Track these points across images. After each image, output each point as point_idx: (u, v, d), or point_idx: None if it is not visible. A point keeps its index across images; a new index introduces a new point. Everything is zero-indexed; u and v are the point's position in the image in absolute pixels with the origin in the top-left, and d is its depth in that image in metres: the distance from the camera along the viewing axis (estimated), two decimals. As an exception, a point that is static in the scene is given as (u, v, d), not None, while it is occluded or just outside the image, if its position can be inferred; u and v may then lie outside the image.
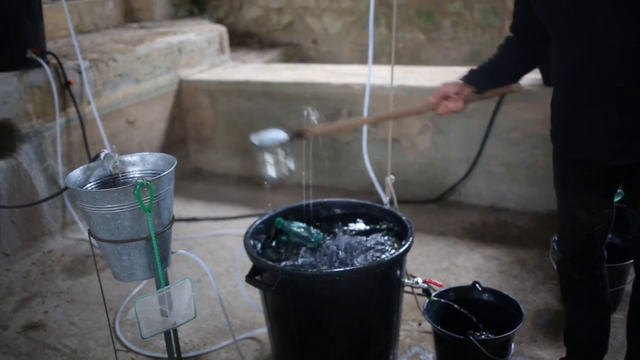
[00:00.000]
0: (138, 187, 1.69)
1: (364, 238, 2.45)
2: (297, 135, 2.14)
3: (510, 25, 2.08)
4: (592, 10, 1.71)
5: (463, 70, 2.18)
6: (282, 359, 2.43)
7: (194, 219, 3.86)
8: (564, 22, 1.79)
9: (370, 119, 2.23)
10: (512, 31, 2.06)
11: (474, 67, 2.16)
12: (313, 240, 2.41)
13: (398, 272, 2.27)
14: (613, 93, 1.75)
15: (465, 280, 2.95)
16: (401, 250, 2.19)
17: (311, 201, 2.56)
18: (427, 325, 2.64)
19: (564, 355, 2.34)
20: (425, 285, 2.36)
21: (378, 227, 2.52)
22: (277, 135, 2.09)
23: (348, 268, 2.17)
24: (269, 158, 2.08)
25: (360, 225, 2.56)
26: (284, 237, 2.48)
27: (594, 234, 2.02)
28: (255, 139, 2.09)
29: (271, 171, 2.09)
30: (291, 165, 2.11)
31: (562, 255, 2.14)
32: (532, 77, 3.62)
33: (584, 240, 2.04)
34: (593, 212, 1.98)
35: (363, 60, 5.43)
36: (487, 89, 2.13)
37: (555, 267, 2.21)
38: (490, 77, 2.12)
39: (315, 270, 2.23)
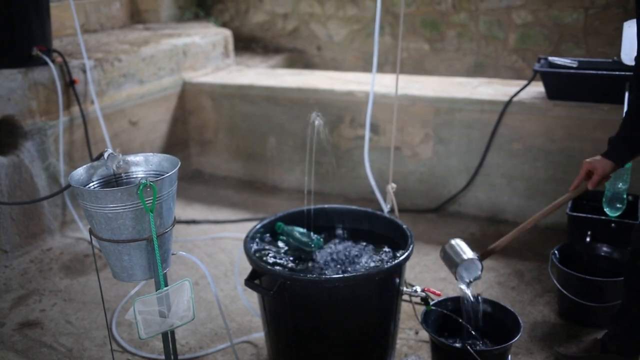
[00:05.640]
0: (141, 187, 1.69)
1: (363, 245, 2.46)
2: (485, 255, 2.41)
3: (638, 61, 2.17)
4: None
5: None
6: (278, 364, 2.42)
7: (193, 222, 3.86)
8: None
9: (536, 217, 2.44)
10: None
11: (616, 140, 2.24)
12: (313, 245, 2.42)
13: (397, 280, 2.27)
14: None
15: (463, 291, 2.95)
16: (401, 258, 2.20)
17: (312, 207, 2.56)
18: (424, 334, 2.64)
19: None
20: (424, 294, 2.36)
21: (378, 235, 2.53)
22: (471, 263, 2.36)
23: (347, 274, 2.17)
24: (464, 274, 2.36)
25: (360, 233, 2.56)
26: (284, 241, 2.48)
27: None
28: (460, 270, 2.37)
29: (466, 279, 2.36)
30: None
31: (636, 245, 2.23)
32: (535, 91, 3.64)
33: None
34: None
35: (367, 69, 5.46)
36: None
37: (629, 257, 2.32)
38: (634, 149, 2.23)
39: (314, 275, 2.23)
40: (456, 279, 2.36)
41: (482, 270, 2.35)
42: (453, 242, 2.42)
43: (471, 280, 2.34)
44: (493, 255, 2.46)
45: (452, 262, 2.37)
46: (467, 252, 2.36)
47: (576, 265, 2.74)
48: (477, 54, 5.06)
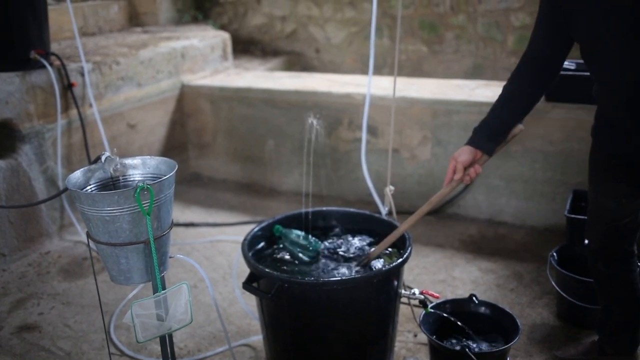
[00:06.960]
0: (138, 190, 1.69)
1: (361, 247, 2.45)
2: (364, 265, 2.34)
3: (528, 46, 2.22)
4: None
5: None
6: (276, 367, 2.42)
7: (191, 224, 3.86)
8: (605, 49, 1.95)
9: (417, 215, 2.36)
10: (531, 50, 2.19)
11: (478, 127, 2.21)
12: (311, 248, 2.41)
13: (395, 282, 2.26)
14: None
15: (462, 293, 2.95)
16: (399, 260, 2.19)
17: (310, 209, 2.56)
18: (423, 337, 2.63)
19: None
20: (422, 297, 2.35)
21: (376, 237, 2.52)
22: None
23: (346, 277, 2.17)
24: None
25: (358, 235, 2.56)
26: (282, 244, 2.48)
27: (622, 227, 2.07)
28: None
29: None
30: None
31: (590, 245, 2.21)
32: (533, 92, 3.64)
33: (611, 232, 2.10)
34: (622, 204, 2.02)
35: (365, 71, 5.43)
36: (496, 149, 2.20)
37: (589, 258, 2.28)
38: (496, 136, 2.18)
39: (312, 278, 2.22)
40: None
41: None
42: None
43: None
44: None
45: None
46: None
47: (575, 267, 2.74)
48: (475, 56, 5.06)
